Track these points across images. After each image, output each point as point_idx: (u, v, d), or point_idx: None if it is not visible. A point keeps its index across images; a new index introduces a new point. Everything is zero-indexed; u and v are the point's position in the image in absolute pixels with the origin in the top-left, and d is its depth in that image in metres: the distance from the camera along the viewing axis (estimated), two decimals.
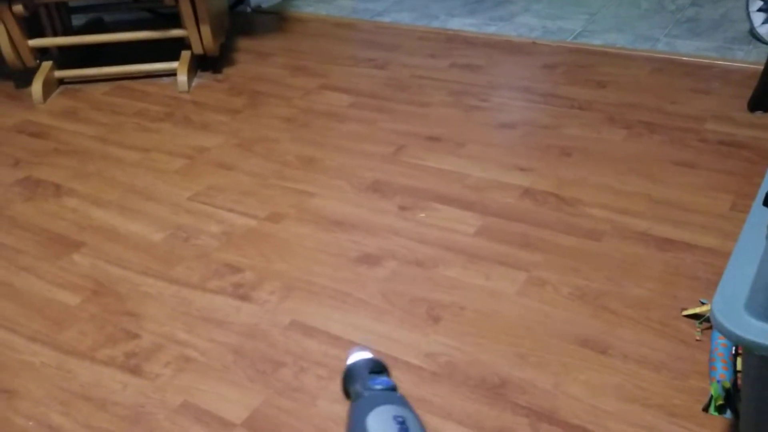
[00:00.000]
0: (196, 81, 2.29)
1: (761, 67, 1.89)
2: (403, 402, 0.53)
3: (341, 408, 1.08)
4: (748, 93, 1.92)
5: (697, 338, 1.17)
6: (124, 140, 1.94)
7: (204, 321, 1.27)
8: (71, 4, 2.50)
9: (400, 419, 0.50)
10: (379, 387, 0.56)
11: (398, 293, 1.32)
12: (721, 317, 0.88)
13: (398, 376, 1.13)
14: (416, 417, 0.51)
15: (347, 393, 0.63)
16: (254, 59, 2.45)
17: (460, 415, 1.06)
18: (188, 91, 2.21)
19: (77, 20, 2.64)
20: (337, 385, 1.12)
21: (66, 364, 1.20)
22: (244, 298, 1.32)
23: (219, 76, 2.32)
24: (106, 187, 1.71)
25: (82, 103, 2.17)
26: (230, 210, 1.60)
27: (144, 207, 1.63)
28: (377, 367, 0.64)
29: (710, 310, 0.90)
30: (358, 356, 0.67)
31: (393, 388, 0.56)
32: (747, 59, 2.18)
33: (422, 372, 1.14)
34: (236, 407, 1.10)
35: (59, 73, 2.26)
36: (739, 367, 1.08)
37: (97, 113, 2.11)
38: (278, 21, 2.82)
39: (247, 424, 1.07)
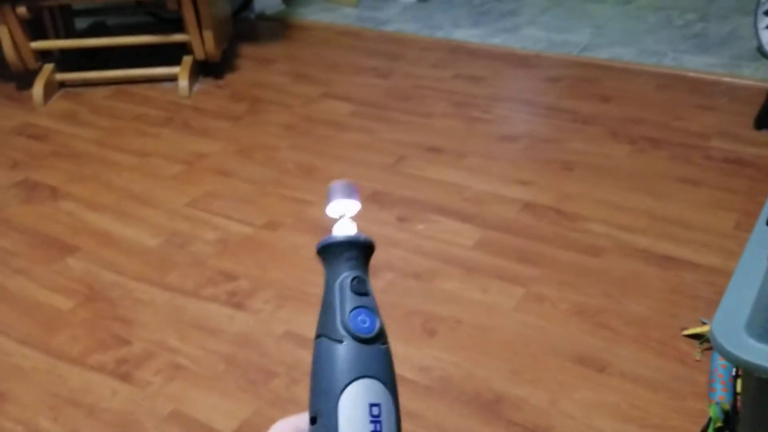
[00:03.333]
0: (197, 86, 2.28)
1: None
2: (384, 369, 0.47)
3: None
4: (755, 111, 1.90)
5: (697, 359, 1.15)
6: (122, 144, 1.93)
7: (196, 329, 1.26)
8: (74, 7, 2.50)
9: (376, 411, 0.45)
10: (363, 335, 0.49)
11: (394, 305, 1.30)
12: (721, 338, 0.86)
13: None
14: (393, 401, 0.46)
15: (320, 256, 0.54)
16: (256, 66, 2.44)
17: (453, 431, 1.04)
18: (189, 97, 2.20)
19: (80, 23, 2.63)
20: None
21: (56, 369, 1.19)
22: (238, 306, 1.31)
23: (220, 82, 2.31)
24: (102, 191, 1.70)
25: (83, 107, 2.16)
26: (227, 217, 1.58)
27: (140, 212, 1.61)
28: (362, 285, 0.55)
29: (710, 331, 0.89)
30: (342, 226, 0.58)
31: (378, 337, 0.49)
32: (754, 76, 2.16)
33: (416, 386, 1.12)
34: (226, 417, 1.08)
35: (60, 76, 2.25)
36: (739, 389, 1.06)
37: (97, 117, 2.10)
38: (281, 28, 2.82)
39: None
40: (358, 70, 2.38)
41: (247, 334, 1.24)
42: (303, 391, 1.11)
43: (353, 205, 0.60)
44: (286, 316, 1.28)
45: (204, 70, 2.34)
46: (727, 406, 1.02)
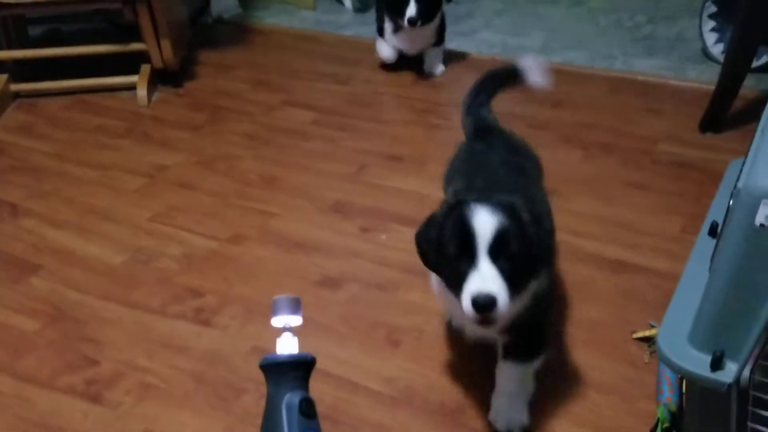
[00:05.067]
0: (156, 95, 2.27)
1: (713, 87, 1.95)
2: None
3: None
4: (700, 113, 1.98)
5: (646, 361, 1.22)
6: (82, 157, 1.92)
7: (164, 347, 1.27)
8: (28, 15, 2.46)
9: None
10: None
11: (359, 317, 1.34)
12: (666, 349, 0.92)
13: (357, 402, 1.15)
14: None
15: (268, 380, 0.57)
16: (215, 72, 2.44)
17: None
18: (148, 106, 2.20)
19: (34, 30, 2.59)
20: None
21: (24, 393, 1.19)
22: (205, 323, 1.33)
23: (179, 90, 2.31)
24: (63, 207, 1.70)
25: (39, 118, 2.14)
26: (191, 231, 1.60)
27: (103, 228, 1.61)
28: (310, 408, 0.57)
29: (656, 341, 0.94)
30: (285, 342, 0.60)
31: None
32: (700, 79, 2.25)
33: (381, 397, 1.17)
34: None
35: (15, 87, 2.22)
36: (685, 389, 1.13)
37: (55, 129, 2.08)
38: (239, 32, 2.81)
39: None
40: (318, 77, 2.40)
41: (215, 351, 1.26)
42: None
43: (296, 320, 0.62)
44: (254, 332, 1.30)
45: (163, 78, 2.33)
46: (674, 407, 1.09)
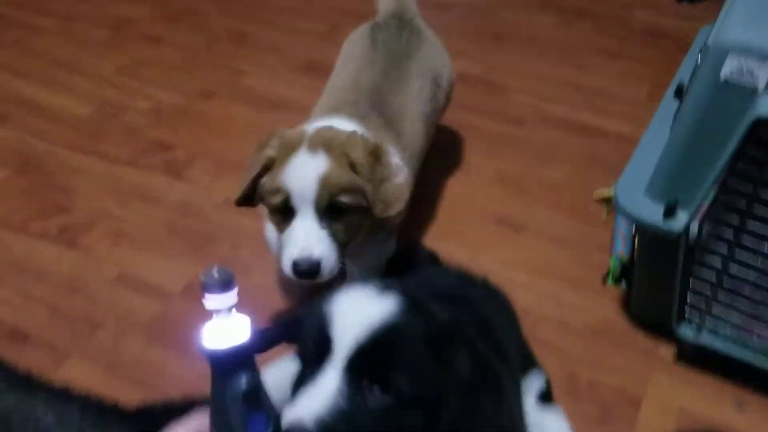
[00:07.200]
0: None
1: None
2: None
3: (275, 279, 1.14)
4: None
5: (603, 218, 1.27)
6: (42, 6, 1.83)
7: (136, 197, 1.29)
8: None
9: None
10: None
11: None
12: (622, 198, 0.97)
13: None
14: None
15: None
16: None
17: None
18: None
19: None
20: (268, 261, 1.17)
21: None
22: (176, 175, 1.34)
23: None
24: (26, 57, 1.64)
25: None
26: (159, 86, 1.57)
27: (68, 80, 1.58)
28: (254, 398, 0.55)
29: (614, 191, 0.99)
30: (222, 325, 0.55)
31: None
32: None
33: None
34: (173, 278, 1.14)
35: None
36: (637, 245, 1.19)
37: None
38: None
39: (185, 294, 1.12)
40: None
41: (186, 202, 1.28)
42: (246, 254, 1.18)
43: (231, 298, 0.56)
44: (225, 185, 1.32)
45: None
46: (626, 259, 1.15)
